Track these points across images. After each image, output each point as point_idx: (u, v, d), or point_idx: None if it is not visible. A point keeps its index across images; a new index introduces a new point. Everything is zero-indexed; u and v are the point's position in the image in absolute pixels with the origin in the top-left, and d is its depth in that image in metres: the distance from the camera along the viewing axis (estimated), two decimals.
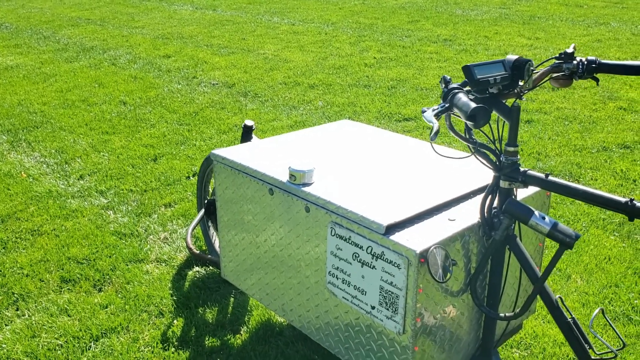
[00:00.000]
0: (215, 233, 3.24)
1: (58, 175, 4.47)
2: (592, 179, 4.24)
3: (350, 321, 1.95)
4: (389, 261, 1.75)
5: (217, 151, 2.36)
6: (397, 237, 1.74)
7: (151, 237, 3.54)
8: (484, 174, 2.15)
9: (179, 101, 6.22)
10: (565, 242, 1.70)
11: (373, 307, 1.85)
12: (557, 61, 1.95)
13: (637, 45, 8.37)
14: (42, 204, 3.99)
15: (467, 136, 1.84)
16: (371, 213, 1.81)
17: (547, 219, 1.74)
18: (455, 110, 1.59)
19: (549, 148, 4.79)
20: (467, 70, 1.74)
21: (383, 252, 1.76)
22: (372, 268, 1.81)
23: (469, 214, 1.89)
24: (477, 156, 1.84)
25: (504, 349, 2.57)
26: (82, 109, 6.03)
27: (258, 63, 7.81)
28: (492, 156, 1.84)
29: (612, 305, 2.85)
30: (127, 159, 4.71)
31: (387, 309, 1.80)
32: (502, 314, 1.88)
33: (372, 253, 1.80)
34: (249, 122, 2.81)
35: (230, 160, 2.28)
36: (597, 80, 1.97)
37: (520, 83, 1.88)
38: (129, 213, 3.84)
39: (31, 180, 4.38)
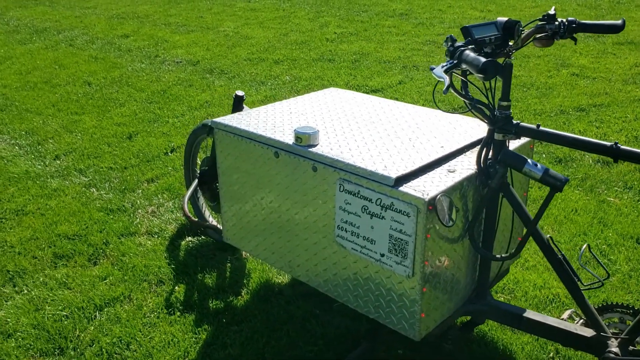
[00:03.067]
0: (204, 203, 3.32)
1: (32, 156, 4.44)
2: None
3: (359, 270, 2.10)
4: (398, 210, 1.90)
5: (218, 119, 2.45)
6: (406, 188, 1.89)
7: (139, 211, 3.60)
8: (474, 131, 2.31)
9: (145, 80, 6.20)
10: (556, 185, 1.89)
11: (382, 255, 2.00)
12: (540, 22, 2.13)
13: (583, 15, 8.74)
14: (22, 184, 3.98)
15: (464, 93, 2.00)
16: (379, 168, 1.95)
17: (539, 165, 1.92)
18: (464, 65, 1.73)
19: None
20: (467, 30, 1.89)
21: (392, 202, 1.91)
22: (382, 218, 1.96)
23: (465, 166, 2.06)
24: (474, 111, 2.01)
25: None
26: (45, 90, 5.94)
27: (219, 40, 7.81)
28: (486, 111, 2.01)
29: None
30: (102, 138, 4.71)
31: (397, 255, 1.95)
32: (497, 255, 2.06)
33: (382, 204, 1.94)
34: (239, 93, 2.89)
35: (233, 127, 2.38)
36: (575, 40, 2.16)
37: (510, 43, 2.05)
38: (113, 189, 3.88)
39: (5, 162, 4.34)
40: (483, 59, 1.63)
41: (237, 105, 2.91)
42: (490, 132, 2.02)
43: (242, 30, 8.36)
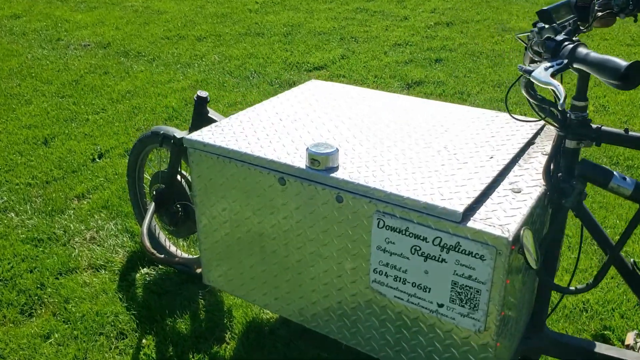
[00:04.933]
0: (160, 229, 2.75)
1: None
2: (521, 113, 4.22)
3: (404, 322, 1.66)
4: (466, 252, 1.47)
5: (194, 136, 1.90)
6: (476, 223, 1.45)
7: (75, 238, 2.96)
8: (513, 130, 1.91)
9: (51, 69, 5.35)
10: None
11: (441, 305, 1.57)
12: None
13: None
14: None
15: (532, 91, 1.58)
16: (436, 198, 1.50)
17: (628, 179, 1.55)
18: (582, 67, 1.30)
19: (470, 86, 4.72)
20: (547, 14, 1.46)
21: (458, 242, 1.47)
22: (441, 262, 1.52)
23: (529, 182, 1.65)
24: (541, 114, 1.59)
25: None
26: None
27: (128, 17, 6.97)
28: (556, 112, 1.60)
29: None
30: (11, 146, 3.93)
31: (463, 306, 1.53)
32: (572, 288, 1.69)
33: (442, 245, 1.50)
34: (202, 93, 2.32)
35: (217, 147, 1.83)
36: (636, 17, 1.78)
37: (580, 26, 1.64)
38: (37, 212, 3.19)
39: None
40: (623, 62, 1.20)
41: (200, 109, 2.34)
42: (560, 139, 1.61)
43: (152, 4, 7.53)
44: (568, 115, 1.57)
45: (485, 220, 1.46)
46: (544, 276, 1.68)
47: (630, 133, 1.53)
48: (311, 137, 1.86)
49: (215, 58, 5.55)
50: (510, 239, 1.40)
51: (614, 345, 2.23)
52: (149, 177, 2.72)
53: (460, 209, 1.46)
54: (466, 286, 1.51)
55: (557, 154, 1.63)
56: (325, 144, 1.68)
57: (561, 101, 1.24)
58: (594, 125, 1.57)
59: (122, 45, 5.98)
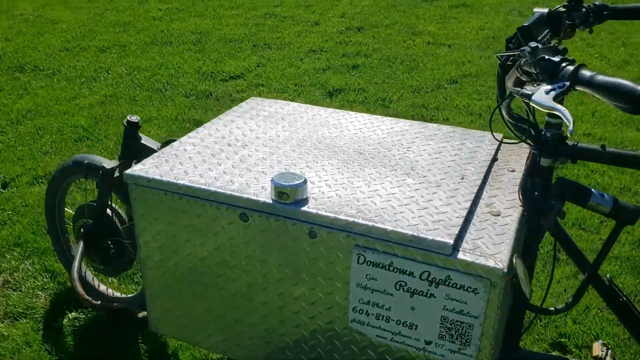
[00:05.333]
0: (86, 267, 2.48)
1: None
2: (443, 118, 4.25)
3: None
4: (458, 286, 1.38)
5: (136, 171, 1.68)
6: (467, 254, 1.36)
7: None
8: (474, 145, 1.84)
9: None
10: (629, 219, 1.50)
11: (429, 343, 1.47)
12: (563, 9, 1.70)
13: None
14: None
15: (507, 108, 1.51)
16: (423, 229, 1.40)
17: (606, 196, 1.52)
18: (587, 90, 1.23)
19: (390, 92, 4.71)
20: (528, 32, 1.39)
21: (448, 276, 1.38)
22: (430, 297, 1.42)
23: (504, 202, 1.58)
24: (514, 131, 1.53)
25: None
26: None
27: (19, 27, 6.42)
28: (530, 130, 1.54)
29: None
30: None
31: (453, 342, 1.44)
32: (551, 308, 1.65)
33: (430, 279, 1.40)
34: (133, 118, 2.10)
35: (165, 182, 1.63)
36: (591, 29, 1.77)
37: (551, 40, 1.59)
38: None
39: None
40: (637, 85, 1.14)
41: (131, 135, 2.11)
42: (535, 157, 1.56)
43: (44, 12, 6.98)
44: (543, 132, 1.52)
45: (474, 250, 1.38)
46: (523, 297, 1.63)
47: (607, 149, 1.50)
48: (268, 164, 1.71)
49: (123, 70, 5.21)
50: (505, 270, 1.33)
51: (574, 354, 2.24)
52: (70, 211, 2.44)
53: (450, 240, 1.36)
54: (457, 321, 1.42)
55: (532, 173, 1.57)
56: (291, 174, 1.54)
57: (570, 127, 1.17)
58: (569, 143, 1.53)
59: (15, 58, 5.48)
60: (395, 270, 1.43)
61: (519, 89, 1.30)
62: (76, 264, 2.12)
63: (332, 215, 1.46)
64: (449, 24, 6.56)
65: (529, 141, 1.54)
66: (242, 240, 1.59)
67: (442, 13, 6.98)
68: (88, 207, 2.24)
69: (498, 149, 1.88)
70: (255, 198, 1.53)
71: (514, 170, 1.76)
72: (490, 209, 1.55)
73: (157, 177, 1.65)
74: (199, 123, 4.15)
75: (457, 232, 1.40)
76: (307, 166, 1.71)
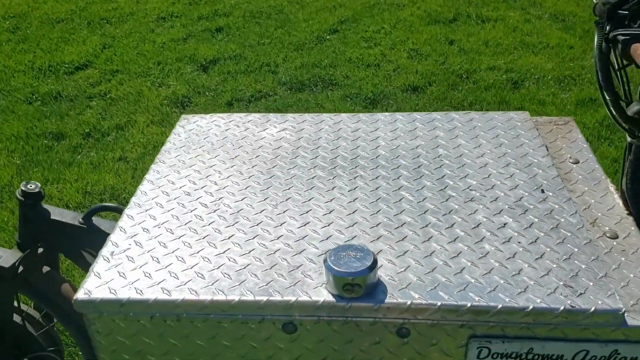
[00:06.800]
0: None
1: None
2: (344, 76, 3.83)
3: None
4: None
5: (90, 295, 1.05)
6: (638, 315, 0.98)
7: None
8: (524, 142, 1.44)
9: None
10: None
11: None
12: None
13: None
14: None
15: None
16: (569, 294, 0.98)
17: None
18: None
19: (272, 55, 4.16)
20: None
21: (615, 351, 0.99)
22: None
23: (605, 215, 1.22)
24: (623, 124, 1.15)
25: None
26: None
27: None
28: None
29: None
30: None
31: None
32: None
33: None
34: (32, 187, 1.40)
35: (150, 302, 1.03)
36: None
37: None
38: None
39: None
40: None
41: (32, 210, 1.42)
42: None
43: None
44: None
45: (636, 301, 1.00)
46: None
47: None
48: (286, 231, 1.17)
49: None
50: None
51: None
52: None
53: (619, 303, 0.96)
54: None
55: (634, 170, 1.21)
56: (349, 250, 1.02)
57: None
58: None
59: None
60: (537, 356, 1.01)
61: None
62: None
63: (435, 302, 0.98)
64: None
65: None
66: (287, 357, 1.07)
67: None
68: None
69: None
70: (306, 299, 1.01)
71: (577, 162, 1.39)
72: (599, 229, 1.17)
73: (135, 295, 1.04)
74: (60, 137, 3.32)
75: (614, 288, 1.00)
76: (341, 219, 1.19)
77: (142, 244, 1.16)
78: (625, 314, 0.98)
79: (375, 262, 1.00)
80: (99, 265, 1.11)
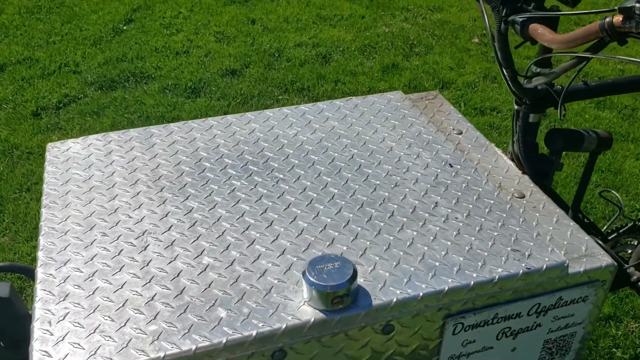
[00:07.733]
0: None
1: None
2: (155, 71, 3.63)
3: None
4: (567, 303, 1.14)
5: None
6: (575, 263, 1.13)
7: None
8: (415, 120, 1.53)
9: None
10: (608, 144, 1.46)
11: None
12: None
13: None
14: None
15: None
16: (520, 258, 1.09)
17: (590, 132, 1.43)
18: None
19: (76, 56, 3.77)
20: None
21: (560, 297, 1.13)
22: (534, 329, 1.16)
23: (516, 180, 1.36)
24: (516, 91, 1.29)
25: None
26: None
27: None
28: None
29: None
30: None
31: (553, 358, 1.24)
32: None
33: (539, 311, 1.13)
34: (3, 289, 1.13)
35: None
36: None
37: None
38: None
39: None
40: None
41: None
42: (525, 116, 1.36)
43: None
44: (536, 86, 1.31)
45: (572, 254, 1.15)
46: None
47: (590, 84, 1.38)
48: (234, 252, 1.11)
49: None
50: (615, 262, 1.14)
51: None
52: None
53: (562, 257, 1.10)
54: (560, 337, 1.20)
55: (525, 133, 1.37)
56: (323, 260, 1.01)
57: None
58: (556, 88, 1.35)
59: None
60: (500, 319, 1.11)
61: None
62: None
63: (417, 293, 1.02)
64: None
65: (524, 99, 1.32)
66: None
67: None
68: None
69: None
70: (296, 322, 0.98)
71: (461, 132, 1.52)
72: (507, 191, 1.31)
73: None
74: None
75: (548, 240, 1.14)
76: (291, 232, 1.16)
77: (83, 305, 1.01)
78: (570, 264, 1.12)
79: (355, 268, 1.00)
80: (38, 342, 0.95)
